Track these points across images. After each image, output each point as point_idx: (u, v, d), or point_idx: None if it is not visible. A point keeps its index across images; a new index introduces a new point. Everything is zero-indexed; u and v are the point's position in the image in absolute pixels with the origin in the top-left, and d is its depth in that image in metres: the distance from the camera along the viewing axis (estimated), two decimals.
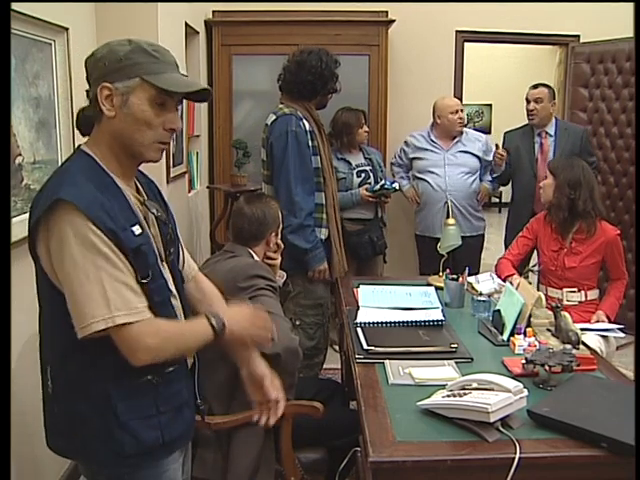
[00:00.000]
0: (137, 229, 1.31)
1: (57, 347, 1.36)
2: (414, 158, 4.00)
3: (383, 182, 3.52)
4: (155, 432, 1.35)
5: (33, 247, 1.29)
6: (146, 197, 1.43)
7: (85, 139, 1.40)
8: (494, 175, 3.91)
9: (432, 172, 3.90)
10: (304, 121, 2.87)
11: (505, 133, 4.02)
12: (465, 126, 4.03)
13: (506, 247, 3.94)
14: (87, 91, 1.35)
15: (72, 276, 1.23)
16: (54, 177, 1.33)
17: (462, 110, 3.95)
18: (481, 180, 4.00)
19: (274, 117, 2.92)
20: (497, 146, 3.84)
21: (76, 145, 1.40)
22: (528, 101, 3.83)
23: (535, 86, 3.84)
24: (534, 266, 2.96)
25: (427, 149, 3.95)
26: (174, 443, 1.41)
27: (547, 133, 3.83)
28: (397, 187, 3.53)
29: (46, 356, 1.40)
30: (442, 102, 3.97)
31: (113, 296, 1.24)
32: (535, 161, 3.81)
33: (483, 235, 4.05)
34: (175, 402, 1.40)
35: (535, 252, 3.23)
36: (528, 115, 3.84)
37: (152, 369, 1.33)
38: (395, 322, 2.26)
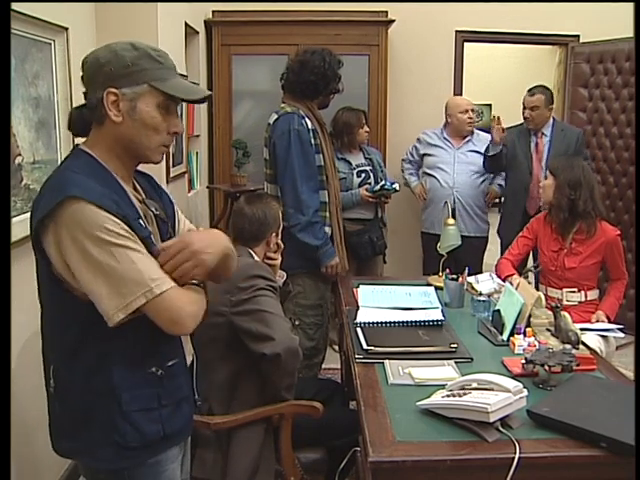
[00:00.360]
0: (142, 222, 1.34)
1: (60, 345, 1.36)
2: (425, 154, 4.05)
3: (383, 182, 3.52)
4: (156, 425, 1.37)
5: (38, 245, 1.29)
6: (144, 196, 1.44)
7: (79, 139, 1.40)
8: (489, 154, 3.75)
9: (441, 168, 3.94)
10: (306, 119, 2.87)
11: None
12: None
13: (500, 243, 3.96)
14: (85, 93, 1.35)
15: (101, 264, 1.23)
16: (55, 176, 1.33)
17: (472, 110, 3.96)
18: (491, 183, 4.02)
19: (276, 116, 2.92)
20: (496, 118, 3.72)
21: (75, 145, 1.40)
22: (524, 107, 3.81)
23: (532, 93, 3.76)
24: (535, 266, 2.95)
25: (438, 146, 4.00)
26: (174, 437, 1.43)
27: (543, 134, 3.82)
28: (397, 188, 3.52)
29: (49, 355, 1.40)
30: (453, 101, 4.03)
31: (145, 268, 1.26)
32: (530, 159, 3.80)
33: (487, 238, 4.06)
34: (176, 396, 1.42)
35: (531, 253, 3.24)
36: (524, 120, 3.83)
37: (156, 361, 1.36)
38: (395, 322, 2.26)
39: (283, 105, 2.95)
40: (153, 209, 1.43)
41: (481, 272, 3.45)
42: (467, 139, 3.98)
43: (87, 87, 1.34)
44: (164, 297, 1.26)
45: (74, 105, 2.42)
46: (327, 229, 2.94)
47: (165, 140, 1.37)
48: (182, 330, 1.32)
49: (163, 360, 1.38)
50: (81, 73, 1.36)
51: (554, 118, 3.89)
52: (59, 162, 2.19)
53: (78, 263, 1.24)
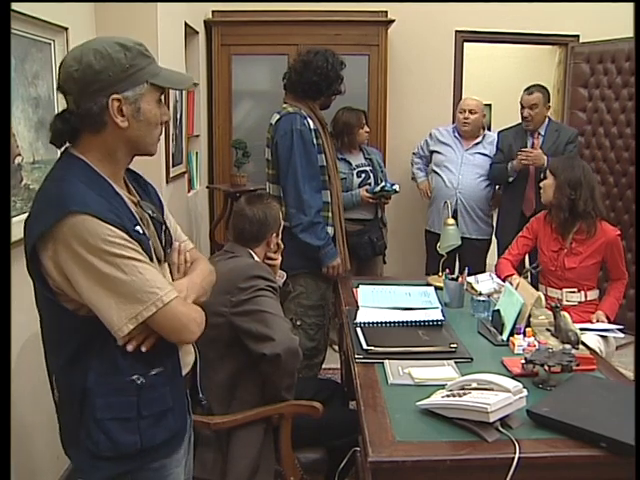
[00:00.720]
0: (139, 229, 1.32)
1: (58, 357, 1.34)
2: (434, 151, 4.06)
3: (383, 184, 3.51)
4: (133, 436, 1.32)
5: (34, 261, 1.26)
6: (139, 197, 1.43)
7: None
8: (511, 179, 3.78)
9: (447, 168, 3.95)
10: (308, 120, 2.87)
11: (499, 132, 4.02)
12: (484, 129, 4.06)
13: (498, 245, 3.96)
14: (76, 103, 1.28)
15: (107, 277, 1.22)
16: (52, 186, 1.29)
17: (473, 112, 3.93)
18: (499, 189, 4.02)
19: (278, 116, 2.91)
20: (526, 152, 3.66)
21: (65, 149, 1.36)
22: (522, 106, 3.79)
23: (530, 91, 3.76)
24: (535, 267, 2.95)
25: (447, 144, 4.01)
26: (155, 451, 1.37)
27: (539, 134, 3.82)
28: (397, 189, 3.51)
29: (51, 365, 1.39)
30: (462, 100, 4.08)
31: (151, 277, 1.26)
32: None
33: (489, 241, 4.05)
34: (158, 407, 1.36)
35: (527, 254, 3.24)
36: (523, 120, 3.82)
37: (138, 369, 1.32)
38: (395, 322, 2.26)
39: (285, 105, 2.95)
40: (150, 212, 1.41)
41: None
42: (477, 141, 3.97)
43: (78, 95, 1.27)
44: (172, 305, 1.27)
45: None
46: (330, 229, 2.94)
47: (160, 131, 1.38)
48: (190, 337, 1.33)
49: (146, 368, 1.33)
50: (60, 81, 1.29)
51: (549, 118, 3.90)
52: None
53: (82, 279, 1.22)
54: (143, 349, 1.31)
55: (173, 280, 1.44)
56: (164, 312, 1.26)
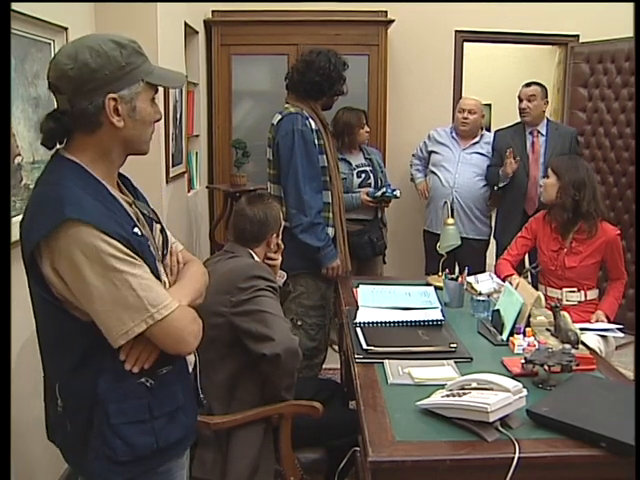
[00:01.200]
0: (137, 231, 1.30)
1: (65, 360, 1.31)
2: (432, 151, 4.06)
3: (384, 189, 3.50)
4: (149, 437, 1.31)
5: (34, 268, 1.26)
6: (132, 197, 1.41)
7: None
8: (501, 184, 3.81)
9: (444, 167, 3.94)
10: (310, 120, 2.87)
11: (496, 132, 4.02)
12: (482, 129, 4.06)
13: (497, 246, 3.96)
14: (70, 102, 1.24)
15: (100, 289, 1.20)
16: (47, 191, 1.26)
17: (472, 112, 3.91)
18: (499, 190, 4.01)
19: (280, 116, 2.91)
20: (510, 152, 3.66)
21: (56, 151, 1.33)
22: (520, 99, 3.82)
23: (528, 84, 3.83)
24: (535, 267, 2.95)
25: (445, 144, 4.00)
26: (171, 449, 1.37)
27: (539, 132, 3.83)
28: (398, 194, 3.50)
29: (53, 374, 1.36)
30: (461, 100, 4.09)
31: (145, 294, 1.24)
32: (526, 159, 3.79)
33: (487, 241, 4.05)
34: (170, 406, 1.36)
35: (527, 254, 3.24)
36: (521, 113, 3.84)
37: (146, 371, 1.31)
38: (394, 322, 2.26)
39: (287, 105, 2.95)
40: (145, 211, 1.40)
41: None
42: (474, 141, 3.96)
43: (72, 95, 1.24)
44: (166, 321, 1.25)
45: None
46: (330, 230, 2.94)
47: (153, 129, 1.36)
48: (187, 349, 1.32)
49: (154, 369, 1.32)
50: (52, 79, 1.26)
51: (547, 118, 3.90)
52: None
53: (77, 288, 1.22)
54: (146, 366, 1.31)
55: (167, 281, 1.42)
56: (157, 328, 1.25)
